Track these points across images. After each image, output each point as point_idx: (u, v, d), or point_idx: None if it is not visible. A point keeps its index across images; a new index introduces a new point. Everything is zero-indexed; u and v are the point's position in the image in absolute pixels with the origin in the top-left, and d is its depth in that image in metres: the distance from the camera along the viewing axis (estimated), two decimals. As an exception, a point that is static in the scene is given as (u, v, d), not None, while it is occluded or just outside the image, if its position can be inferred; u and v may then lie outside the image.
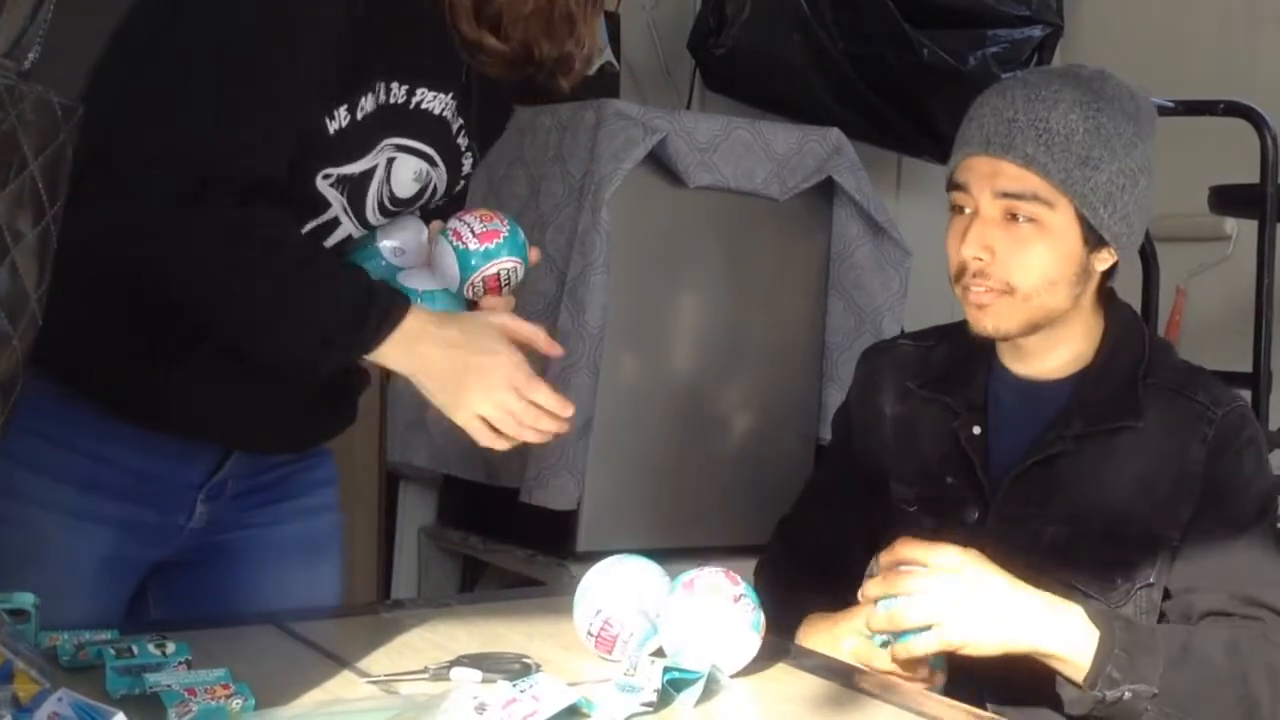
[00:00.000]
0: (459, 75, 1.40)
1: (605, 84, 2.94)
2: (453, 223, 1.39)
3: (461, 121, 1.44)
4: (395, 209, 1.42)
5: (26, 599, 1.19)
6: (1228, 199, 2.71)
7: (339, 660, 1.25)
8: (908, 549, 1.34)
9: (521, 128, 2.74)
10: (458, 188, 1.49)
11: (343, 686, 1.18)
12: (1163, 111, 2.64)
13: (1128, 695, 1.31)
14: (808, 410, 2.82)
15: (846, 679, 1.30)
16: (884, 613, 1.32)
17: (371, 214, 1.40)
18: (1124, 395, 1.49)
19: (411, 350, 1.30)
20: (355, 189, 1.37)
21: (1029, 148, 1.42)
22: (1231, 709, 1.34)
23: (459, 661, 1.21)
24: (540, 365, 2.57)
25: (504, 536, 2.78)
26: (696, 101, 3.25)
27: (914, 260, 2.85)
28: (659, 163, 2.59)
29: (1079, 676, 1.32)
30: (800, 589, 1.59)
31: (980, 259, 1.44)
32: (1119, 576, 1.46)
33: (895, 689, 1.29)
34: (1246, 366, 2.58)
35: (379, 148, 1.36)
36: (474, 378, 1.33)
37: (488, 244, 1.38)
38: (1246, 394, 2.57)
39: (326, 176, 1.35)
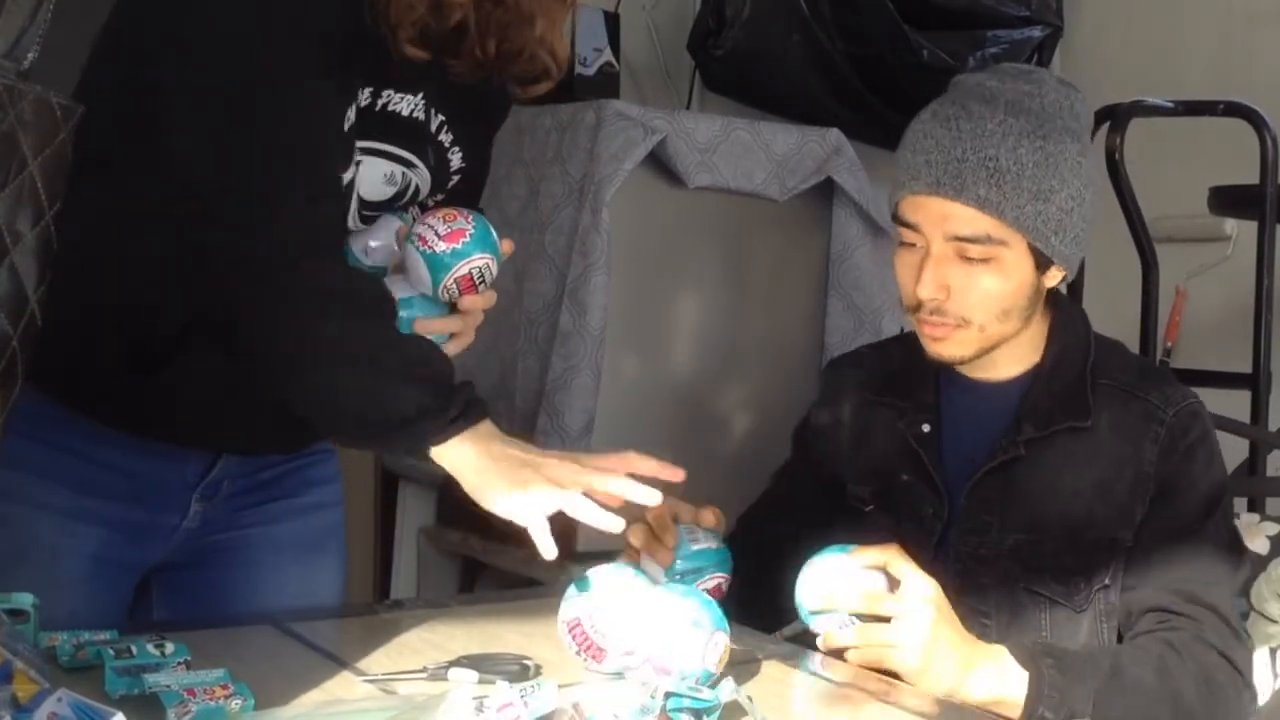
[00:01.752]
0: (429, 74, 1.37)
1: (605, 84, 2.94)
2: (417, 226, 1.37)
3: (443, 118, 1.42)
4: (369, 214, 1.40)
5: (26, 599, 1.19)
6: (1227, 199, 2.71)
7: (338, 660, 1.25)
8: (893, 560, 1.34)
9: (521, 128, 2.74)
10: (451, 184, 1.47)
11: (341, 687, 1.18)
12: (1163, 112, 2.65)
13: None
14: (807, 411, 2.82)
15: (847, 679, 1.30)
16: (846, 635, 1.33)
17: (352, 220, 1.38)
18: (1073, 396, 1.50)
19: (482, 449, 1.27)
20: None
21: (980, 189, 1.41)
22: None
23: (457, 662, 1.21)
24: (543, 365, 2.57)
25: (503, 537, 2.77)
26: (696, 102, 3.25)
27: (914, 261, 2.85)
28: (658, 163, 2.59)
29: (1014, 715, 1.34)
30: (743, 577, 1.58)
31: (936, 299, 1.45)
32: (1080, 581, 1.47)
33: (896, 690, 1.29)
34: (1246, 367, 2.58)
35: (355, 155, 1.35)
36: (531, 472, 1.25)
37: (454, 244, 1.35)
38: (1246, 394, 2.57)
39: None
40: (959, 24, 3.06)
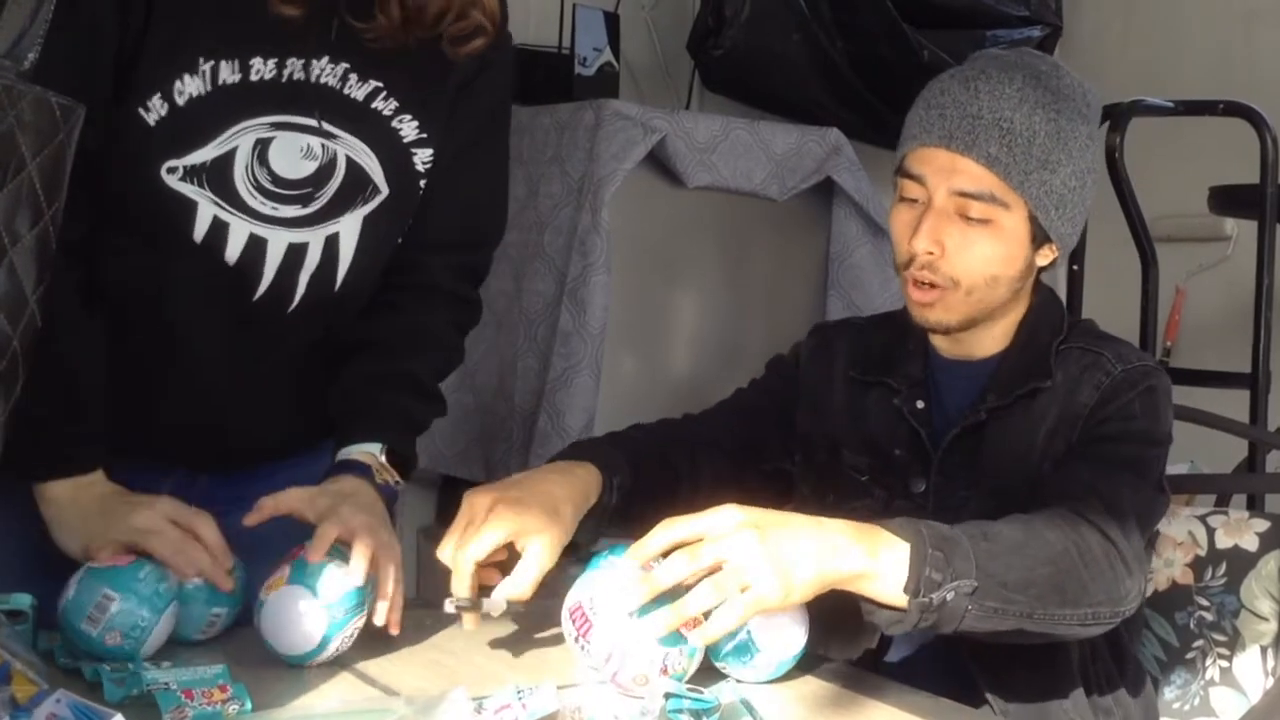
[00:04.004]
0: (328, 35, 1.32)
1: (604, 84, 2.94)
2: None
3: (379, 84, 1.36)
4: (293, 190, 1.35)
5: (24, 600, 1.18)
6: (1227, 199, 2.71)
7: (337, 661, 1.25)
8: (670, 531, 1.20)
9: (520, 128, 2.74)
10: (419, 159, 1.41)
11: (341, 688, 1.18)
12: (1163, 112, 2.66)
13: (950, 596, 1.22)
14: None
15: (846, 679, 1.30)
16: (693, 600, 1.15)
17: (251, 199, 1.33)
18: (1036, 362, 1.50)
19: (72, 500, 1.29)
20: (215, 177, 1.31)
21: (991, 147, 1.43)
22: (1046, 591, 1.27)
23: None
24: (542, 364, 2.57)
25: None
26: (695, 101, 3.25)
27: (913, 260, 2.86)
28: (658, 163, 2.59)
29: (897, 591, 1.22)
30: (646, 458, 1.52)
31: (931, 253, 1.45)
32: None
33: (896, 690, 1.29)
34: (1246, 366, 2.58)
35: (233, 131, 1.30)
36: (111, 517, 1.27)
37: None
38: (1246, 394, 2.57)
39: (172, 170, 1.29)
40: (959, 23, 3.07)
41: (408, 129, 1.41)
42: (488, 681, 1.17)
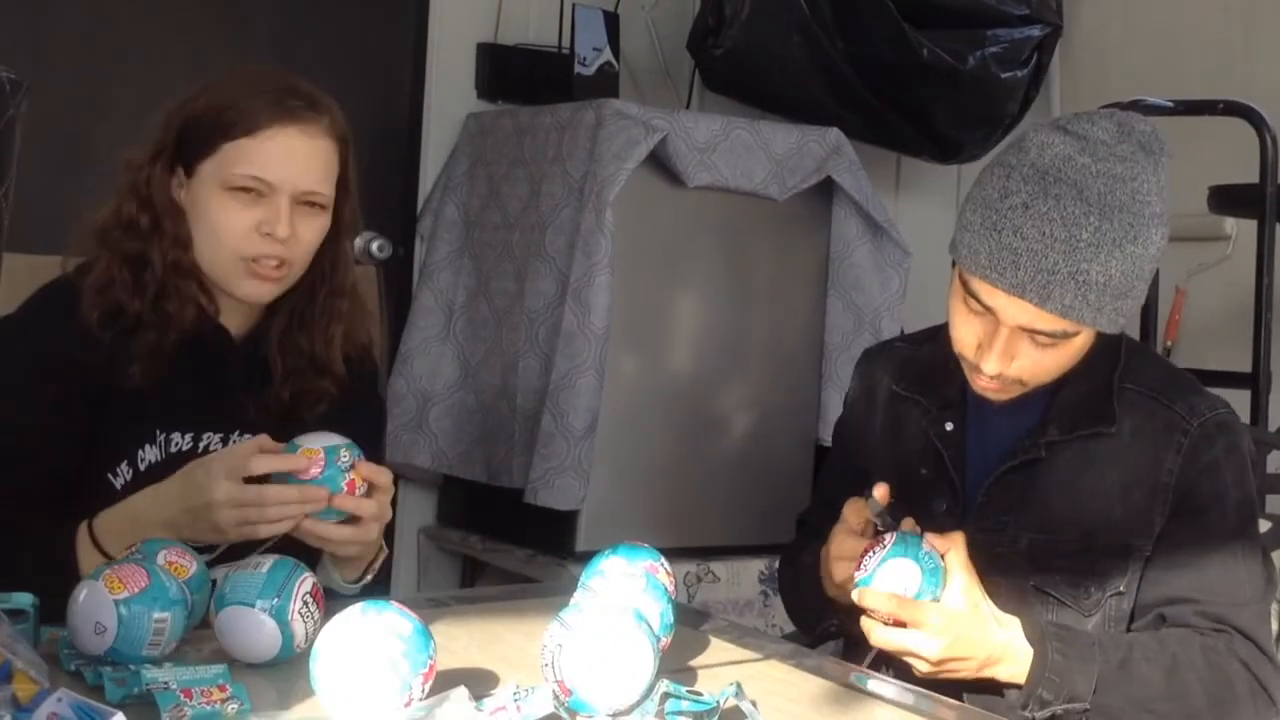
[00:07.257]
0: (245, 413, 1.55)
1: (605, 84, 2.94)
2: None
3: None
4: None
5: (25, 599, 1.19)
6: (1227, 199, 2.71)
7: (338, 660, 1.24)
8: (952, 553, 1.39)
9: (522, 128, 2.74)
10: None
11: (342, 687, 1.18)
12: (1163, 111, 2.65)
13: (1059, 711, 1.37)
14: (807, 410, 2.82)
15: (847, 679, 1.30)
16: (880, 633, 1.37)
17: None
18: (1099, 401, 1.49)
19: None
20: None
21: (1067, 299, 1.37)
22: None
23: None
24: (544, 364, 2.57)
25: (504, 536, 2.78)
26: (696, 101, 3.25)
27: (913, 260, 2.86)
28: (658, 162, 2.59)
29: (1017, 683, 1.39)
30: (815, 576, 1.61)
31: (1000, 370, 1.43)
32: (1092, 585, 1.46)
33: (896, 689, 1.29)
34: (1246, 366, 2.58)
35: None
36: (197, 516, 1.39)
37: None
38: (1246, 394, 2.57)
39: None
40: (959, 23, 3.07)
41: None
42: (488, 681, 1.17)
